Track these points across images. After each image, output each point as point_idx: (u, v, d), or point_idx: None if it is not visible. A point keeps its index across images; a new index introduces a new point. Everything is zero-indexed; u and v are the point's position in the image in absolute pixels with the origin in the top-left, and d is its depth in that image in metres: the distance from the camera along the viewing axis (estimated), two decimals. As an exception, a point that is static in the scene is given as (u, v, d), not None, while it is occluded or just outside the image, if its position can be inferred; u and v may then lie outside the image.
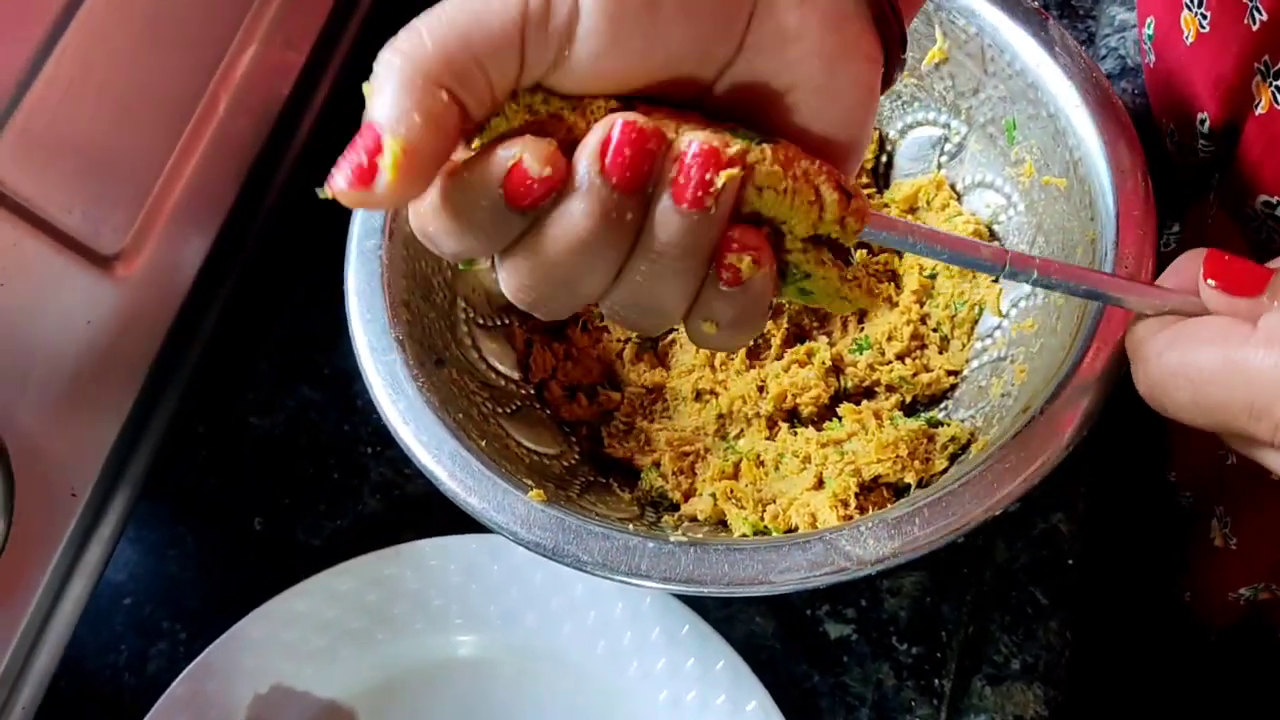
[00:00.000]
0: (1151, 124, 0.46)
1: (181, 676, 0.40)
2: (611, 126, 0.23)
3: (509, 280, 0.25)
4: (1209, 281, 0.28)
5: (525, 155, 0.23)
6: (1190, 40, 0.40)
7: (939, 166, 0.46)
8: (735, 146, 0.23)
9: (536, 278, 0.24)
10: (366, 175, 0.21)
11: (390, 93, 0.22)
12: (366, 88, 0.22)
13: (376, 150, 0.21)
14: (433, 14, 0.23)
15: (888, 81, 0.27)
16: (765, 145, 0.24)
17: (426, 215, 0.24)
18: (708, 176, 0.23)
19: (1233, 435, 0.28)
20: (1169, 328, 0.28)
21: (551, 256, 0.24)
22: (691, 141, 0.23)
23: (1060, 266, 0.28)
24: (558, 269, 0.24)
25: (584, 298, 0.25)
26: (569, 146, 0.23)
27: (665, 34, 0.24)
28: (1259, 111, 0.35)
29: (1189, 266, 0.29)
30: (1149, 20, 0.44)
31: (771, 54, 0.25)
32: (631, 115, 0.23)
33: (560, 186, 0.23)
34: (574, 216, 0.23)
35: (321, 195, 0.22)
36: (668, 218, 0.23)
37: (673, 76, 0.24)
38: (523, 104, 0.23)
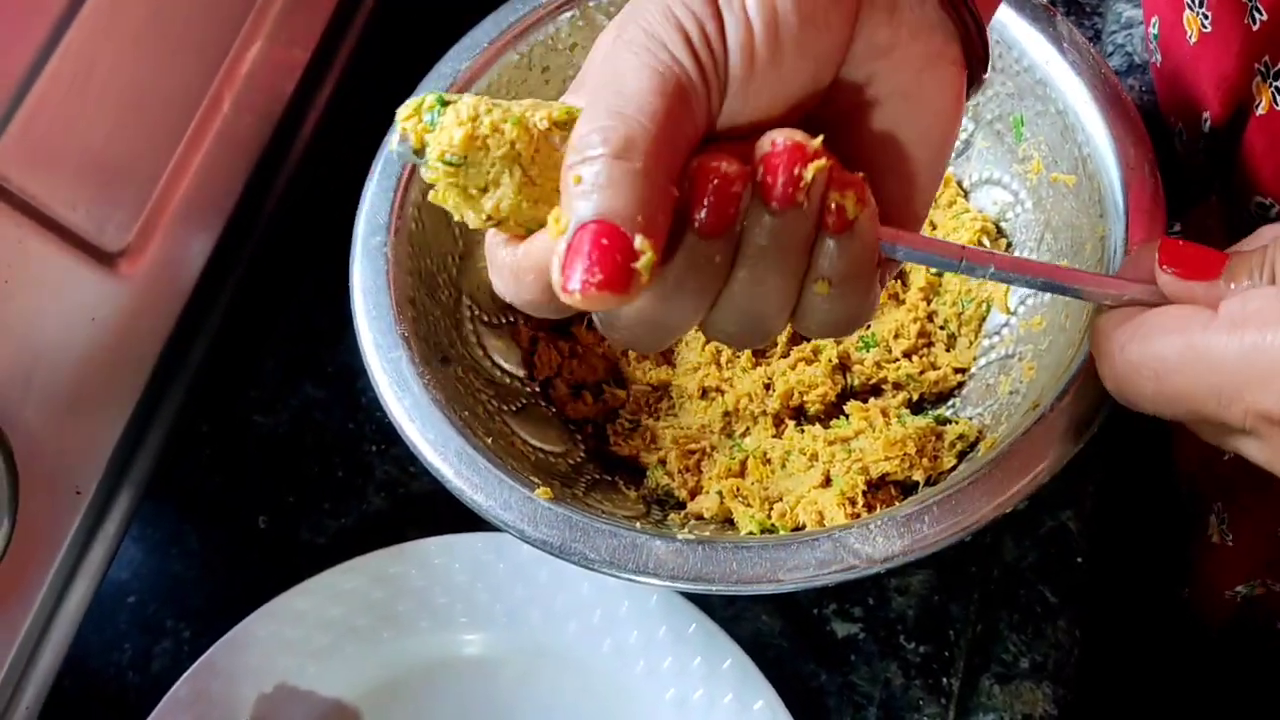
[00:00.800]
0: (1159, 122, 0.45)
1: (185, 675, 0.40)
2: (694, 178, 0.22)
3: (608, 331, 0.25)
4: (1165, 269, 0.27)
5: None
6: (1193, 40, 0.40)
7: (946, 163, 0.46)
8: (816, 140, 0.23)
9: (632, 324, 0.24)
10: (624, 280, 0.21)
11: (630, 189, 0.21)
12: (573, 175, 0.21)
13: (632, 254, 0.21)
14: (626, 93, 0.22)
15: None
16: None
17: (514, 283, 0.24)
18: (796, 170, 0.22)
19: (1204, 424, 0.27)
20: (1130, 320, 0.28)
21: (644, 304, 0.23)
22: (773, 140, 0.23)
23: (1016, 260, 0.28)
24: (652, 314, 0.23)
25: (683, 330, 0.25)
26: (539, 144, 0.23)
27: (788, 81, 0.24)
28: (1259, 112, 0.35)
29: (1147, 257, 0.28)
30: (1154, 19, 0.44)
31: (862, 67, 0.25)
32: (709, 159, 0.22)
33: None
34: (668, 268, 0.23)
35: (566, 299, 0.21)
36: (761, 222, 0.23)
37: (783, 112, 0.25)
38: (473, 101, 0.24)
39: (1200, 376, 0.25)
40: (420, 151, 0.24)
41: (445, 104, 0.24)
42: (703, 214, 0.22)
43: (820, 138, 0.23)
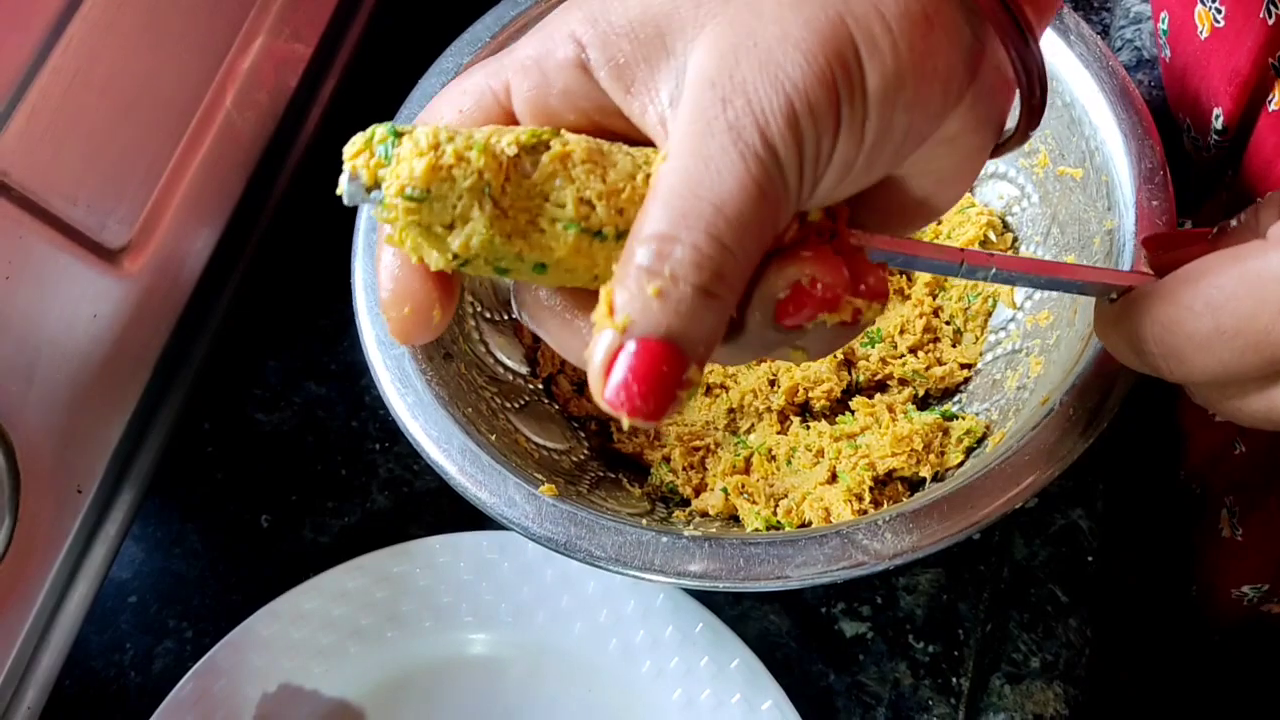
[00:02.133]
0: (1168, 118, 0.45)
1: (188, 675, 0.40)
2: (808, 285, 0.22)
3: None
4: (1152, 253, 0.27)
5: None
6: (1205, 35, 0.39)
7: (952, 158, 0.45)
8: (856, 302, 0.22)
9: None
10: (664, 407, 0.20)
11: (709, 322, 0.20)
12: (653, 286, 0.20)
13: (679, 381, 0.20)
14: (728, 214, 0.20)
15: (1003, 149, 0.26)
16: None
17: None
18: (815, 314, 0.22)
19: (1248, 371, 0.25)
20: (1148, 291, 0.26)
21: None
22: (814, 279, 0.22)
23: (1017, 260, 0.27)
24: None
25: None
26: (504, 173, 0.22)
27: (859, 182, 0.23)
28: (1272, 107, 0.35)
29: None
30: (1163, 15, 0.44)
31: (922, 152, 0.23)
32: (810, 276, 0.22)
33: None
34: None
35: (625, 424, 0.21)
36: (763, 330, 0.22)
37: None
38: (431, 129, 0.22)
39: (1267, 298, 0.23)
40: (372, 189, 0.22)
41: (399, 135, 0.22)
42: (789, 316, 0.22)
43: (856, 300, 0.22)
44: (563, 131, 0.23)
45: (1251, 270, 0.24)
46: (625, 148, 0.23)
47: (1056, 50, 0.40)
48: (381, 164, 0.22)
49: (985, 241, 0.43)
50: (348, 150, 0.22)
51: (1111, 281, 0.28)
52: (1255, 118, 0.36)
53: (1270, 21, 0.35)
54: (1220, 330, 0.24)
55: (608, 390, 0.20)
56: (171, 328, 0.41)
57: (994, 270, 0.26)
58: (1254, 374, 0.25)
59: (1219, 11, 0.38)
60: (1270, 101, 0.35)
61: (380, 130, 0.22)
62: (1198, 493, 0.47)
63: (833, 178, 0.22)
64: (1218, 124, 0.40)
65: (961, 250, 0.26)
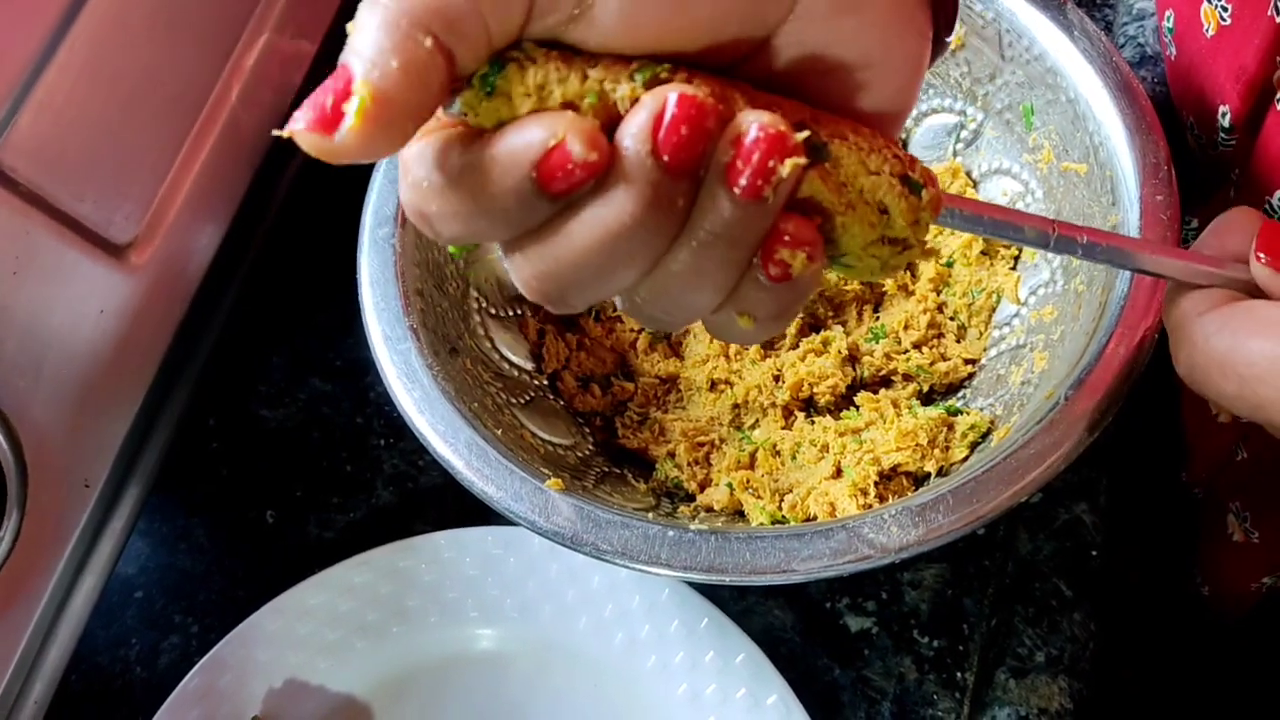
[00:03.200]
0: (1171, 115, 0.45)
1: (194, 670, 0.40)
2: (664, 100, 0.20)
3: (524, 270, 0.22)
4: (1261, 256, 0.26)
5: (569, 136, 0.20)
6: (1211, 33, 0.39)
7: (954, 154, 0.45)
8: (802, 134, 0.21)
9: (561, 268, 0.21)
10: (330, 120, 0.19)
11: (369, 33, 0.19)
12: (350, 26, 0.20)
13: (345, 94, 0.19)
14: None
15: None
16: (830, 144, 0.22)
17: (428, 194, 0.21)
18: (771, 164, 0.20)
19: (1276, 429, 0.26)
20: (1217, 308, 0.26)
21: (581, 246, 0.21)
22: (754, 123, 0.20)
23: (1105, 234, 0.26)
24: (587, 260, 0.21)
25: (608, 292, 0.22)
26: (607, 124, 0.21)
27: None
28: None
29: (1236, 227, 0.27)
30: (1168, 13, 0.44)
31: (825, 23, 0.22)
32: (686, 87, 0.20)
33: (603, 172, 0.20)
34: (615, 203, 0.20)
35: (277, 133, 0.20)
36: (718, 204, 0.21)
37: (714, 39, 0.22)
38: (541, 65, 0.20)
39: None
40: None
41: (503, 62, 0.20)
42: (663, 135, 0.20)
43: (805, 134, 0.21)
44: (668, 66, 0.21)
45: None
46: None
47: (1060, 46, 0.40)
48: (479, 97, 0.20)
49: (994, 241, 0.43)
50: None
51: (1204, 282, 0.27)
52: (1263, 116, 0.36)
53: (1278, 19, 0.35)
54: (1244, 399, 0.25)
55: (292, 123, 0.19)
56: (177, 323, 0.41)
57: (1082, 247, 0.25)
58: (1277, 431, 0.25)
59: (1225, 9, 0.38)
60: (1279, 100, 0.35)
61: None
62: (1201, 498, 0.47)
63: None
64: (1224, 122, 0.40)
65: (1054, 221, 0.25)
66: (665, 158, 0.20)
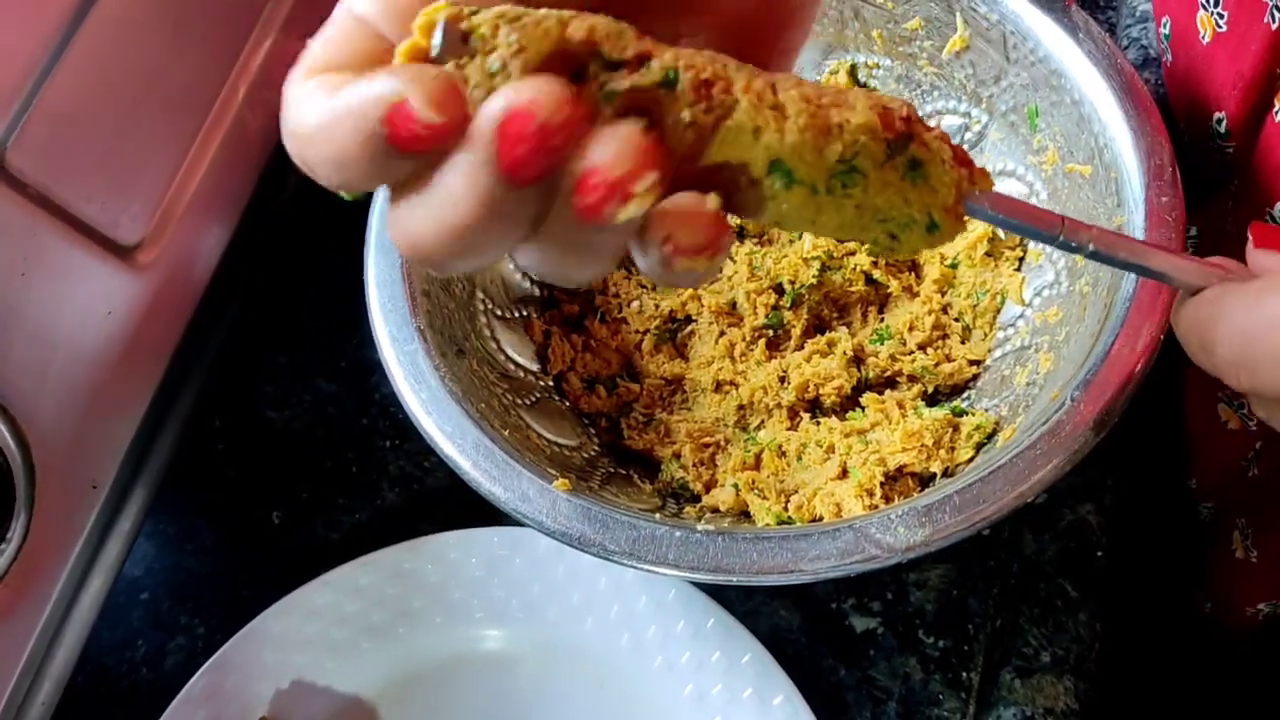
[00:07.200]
0: (1170, 121, 0.45)
1: (200, 671, 0.40)
2: (509, 105, 0.18)
3: (398, 223, 0.20)
4: (1260, 250, 0.26)
5: (411, 94, 0.18)
6: (1207, 40, 0.39)
7: (960, 156, 0.45)
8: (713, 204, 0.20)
9: (435, 227, 0.20)
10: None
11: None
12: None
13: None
14: None
15: None
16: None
17: (304, 139, 0.20)
18: (608, 210, 0.19)
19: None
20: (1250, 281, 0.26)
21: (447, 208, 0.19)
22: (607, 145, 0.19)
23: (1113, 235, 0.26)
24: (455, 222, 0.19)
25: (490, 258, 0.21)
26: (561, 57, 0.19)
27: None
28: (1279, 118, 0.35)
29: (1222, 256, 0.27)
30: (1165, 20, 0.44)
31: None
32: (532, 98, 0.18)
33: (452, 138, 0.19)
34: (465, 179, 0.19)
35: None
36: (566, 214, 0.19)
37: None
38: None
39: None
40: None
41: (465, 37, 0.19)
42: (502, 146, 0.18)
43: (716, 203, 0.20)
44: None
45: None
46: None
47: (1065, 48, 0.40)
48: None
49: (993, 238, 0.44)
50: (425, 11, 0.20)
51: (1199, 281, 0.27)
52: (1260, 122, 0.37)
53: (1274, 26, 0.35)
54: None
55: None
56: (184, 324, 0.41)
57: (1091, 246, 0.25)
58: None
59: (1221, 16, 0.38)
60: (1277, 113, 0.35)
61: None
62: (1207, 511, 0.47)
63: None
64: (1220, 128, 0.40)
65: (1062, 218, 0.25)
66: (504, 170, 0.19)
